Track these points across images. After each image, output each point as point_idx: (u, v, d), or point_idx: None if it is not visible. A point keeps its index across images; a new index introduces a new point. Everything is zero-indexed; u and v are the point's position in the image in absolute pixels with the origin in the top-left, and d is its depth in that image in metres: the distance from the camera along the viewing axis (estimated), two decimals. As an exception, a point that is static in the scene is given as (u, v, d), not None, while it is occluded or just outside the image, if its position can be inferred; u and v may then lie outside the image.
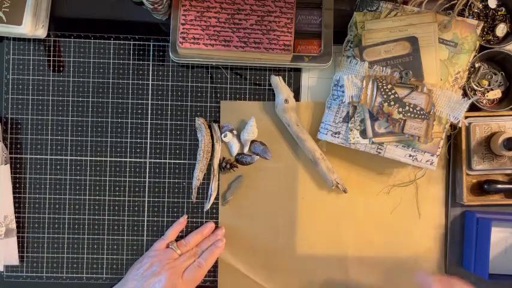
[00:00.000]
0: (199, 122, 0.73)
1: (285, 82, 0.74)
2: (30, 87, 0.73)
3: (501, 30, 0.74)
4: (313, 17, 0.72)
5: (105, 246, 0.74)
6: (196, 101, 0.74)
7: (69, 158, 0.74)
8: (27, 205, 0.73)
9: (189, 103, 0.74)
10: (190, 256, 0.70)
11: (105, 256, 0.74)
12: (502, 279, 0.71)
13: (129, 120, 0.74)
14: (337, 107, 0.71)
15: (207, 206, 0.74)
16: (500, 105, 0.74)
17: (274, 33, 0.69)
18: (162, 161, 0.74)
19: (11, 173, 0.73)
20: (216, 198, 0.74)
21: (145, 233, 0.74)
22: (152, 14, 0.72)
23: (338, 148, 0.72)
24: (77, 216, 0.74)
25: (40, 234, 0.73)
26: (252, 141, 0.74)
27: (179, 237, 0.73)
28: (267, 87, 0.75)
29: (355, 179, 0.75)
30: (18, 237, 0.73)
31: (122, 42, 0.74)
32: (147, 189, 0.74)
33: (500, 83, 0.75)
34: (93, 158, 0.74)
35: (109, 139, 0.74)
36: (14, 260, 0.72)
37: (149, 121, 0.74)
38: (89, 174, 0.74)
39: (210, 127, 0.74)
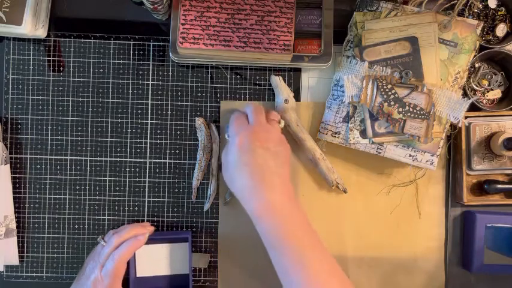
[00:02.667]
0: (199, 122, 0.73)
1: (285, 82, 0.74)
2: (30, 87, 0.73)
3: (501, 30, 0.74)
4: (313, 17, 0.72)
5: (105, 246, 0.74)
6: (196, 101, 0.74)
7: (69, 158, 0.74)
8: (27, 205, 0.73)
9: (189, 103, 0.74)
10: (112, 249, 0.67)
11: (105, 256, 0.74)
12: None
13: (129, 120, 0.74)
14: (337, 107, 0.71)
15: (207, 206, 0.74)
16: (500, 105, 0.74)
17: (274, 33, 0.69)
18: (162, 161, 0.74)
19: (11, 173, 0.73)
20: (216, 198, 0.74)
21: (145, 233, 0.74)
22: (152, 14, 0.72)
23: (338, 148, 0.72)
24: (77, 216, 0.74)
25: (40, 234, 0.73)
26: None
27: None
28: (267, 87, 0.75)
29: (355, 179, 0.75)
30: (18, 237, 0.73)
31: (122, 42, 0.74)
32: (147, 189, 0.74)
33: (500, 83, 0.75)
34: (93, 158, 0.74)
35: (109, 139, 0.74)
36: (14, 260, 0.72)
37: (149, 121, 0.74)
38: (89, 174, 0.74)
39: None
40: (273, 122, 0.67)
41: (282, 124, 0.69)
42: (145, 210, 0.74)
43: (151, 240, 0.71)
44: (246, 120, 0.66)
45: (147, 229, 0.70)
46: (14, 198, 0.73)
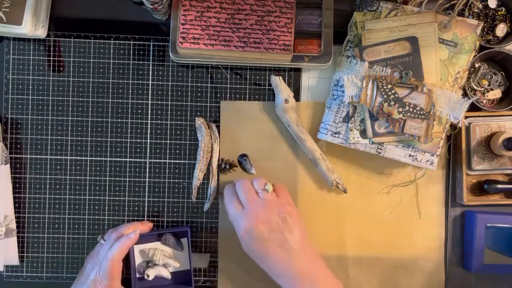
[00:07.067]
0: (199, 122, 0.73)
1: (285, 82, 0.74)
2: (30, 87, 0.73)
3: (501, 30, 0.74)
4: (313, 17, 0.72)
5: (105, 246, 0.74)
6: (196, 101, 0.74)
7: (69, 158, 0.74)
8: (27, 205, 0.73)
9: (189, 103, 0.74)
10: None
11: (105, 256, 0.74)
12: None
13: (129, 120, 0.74)
14: (337, 107, 0.71)
15: (207, 206, 0.74)
16: (500, 105, 0.74)
17: (274, 33, 0.69)
18: (162, 161, 0.74)
19: (11, 173, 0.73)
20: (216, 198, 0.74)
21: (145, 233, 0.74)
22: (152, 14, 0.72)
23: (338, 148, 0.72)
24: (77, 216, 0.74)
25: (40, 234, 0.73)
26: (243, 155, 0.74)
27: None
28: (267, 87, 0.75)
29: (355, 179, 0.75)
30: (18, 237, 0.73)
31: (122, 42, 0.74)
32: (147, 189, 0.74)
33: (500, 83, 0.75)
34: (93, 158, 0.74)
35: (109, 139, 0.74)
36: (14, 260, 0.72)
37: (149, 121, 0.74)
38: (89, 174, 0.74)
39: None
40: (263, 193, 0.66)
41: (270, 188, 0.67)
42: (145, 210, 0.74)
43: (150, 238, 0.71)
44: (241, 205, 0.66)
45: (146, 226, 0.70)
46: (14, 198, 0.73)
